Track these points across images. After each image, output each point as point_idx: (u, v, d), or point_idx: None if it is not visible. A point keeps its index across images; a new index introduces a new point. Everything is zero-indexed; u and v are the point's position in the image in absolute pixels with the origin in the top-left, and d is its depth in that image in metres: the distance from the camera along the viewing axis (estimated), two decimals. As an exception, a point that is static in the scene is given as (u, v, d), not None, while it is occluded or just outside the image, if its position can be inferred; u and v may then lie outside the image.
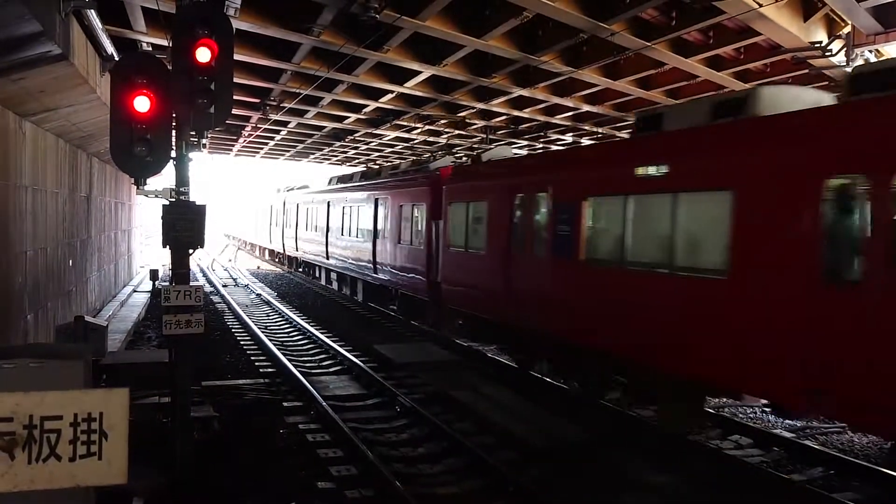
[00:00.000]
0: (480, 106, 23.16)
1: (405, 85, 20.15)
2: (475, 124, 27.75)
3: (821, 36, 14.19)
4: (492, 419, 10.55)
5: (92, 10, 10.12)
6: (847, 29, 14.37)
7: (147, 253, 41.32)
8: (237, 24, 13.54)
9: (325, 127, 29.67)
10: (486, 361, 15.25)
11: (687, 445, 9.77)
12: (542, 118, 25.86)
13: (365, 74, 19.07)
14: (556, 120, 25.98)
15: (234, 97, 15.31)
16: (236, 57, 14.01)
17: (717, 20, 13.65)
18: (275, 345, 16.08)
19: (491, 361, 15.19)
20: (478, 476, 8.49)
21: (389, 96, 22.39)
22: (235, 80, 16.02)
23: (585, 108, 23.13)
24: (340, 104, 24.65)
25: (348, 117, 26.72)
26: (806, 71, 16.03)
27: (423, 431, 10.21)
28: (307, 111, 25.45)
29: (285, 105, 23.51)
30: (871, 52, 14.75)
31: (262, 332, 17.96)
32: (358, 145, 35.82)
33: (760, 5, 11.93)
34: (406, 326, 19.69)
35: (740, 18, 13.14)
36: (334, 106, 24.81)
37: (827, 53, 14.14)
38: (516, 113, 24.65)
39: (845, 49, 14.36)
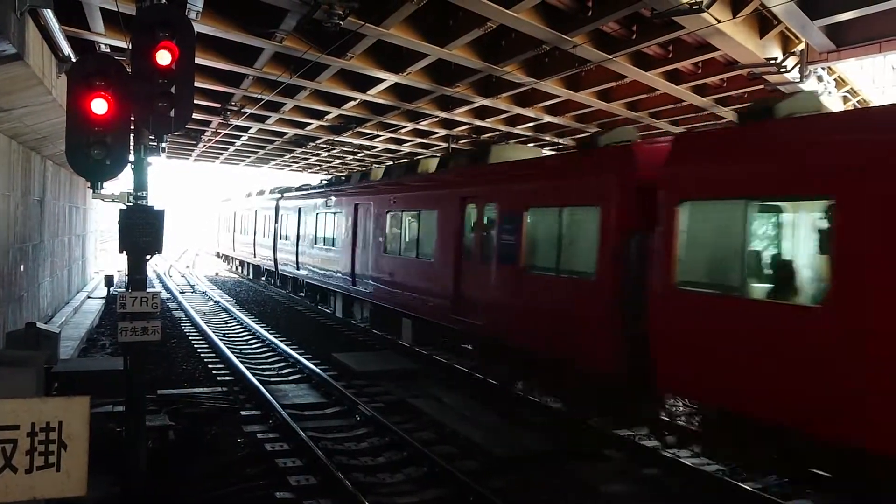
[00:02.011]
0: (443, 115, 23.24)
1: (368, 92, 20.12)
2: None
3: (776, 53, 14.57)
4: (453, 427, 10.56)
5: (48, 10, 9.91)
6: (801, 46, 14.77)
7: (103, 258, 40.48)
8: (198, 27, 13.36)
9: (286, 133, 29.49)
10: (447, 370, 15.23)
11: (647, 455, 9.85)
12: (504, 128, 26.03)
13: (328, 81, 18.99)
14: (518, 130, 26.18)
15: (195, 101, 15.13)
16: (197, 60, 13.87)
17: (677, 35, 13.93)
18: (233, 353, 15.85)
19: (452, 370, 15.17)
20: (438, 485, 8.47)
21: (352, 103, 22.34)
22: (196, 84, 15.87)
23: (547, 118, 23.35)
24: (302, 110, 24.50)
25: (310, 124, 26.58)
26: (762, 86, 16.42)
27: (383, 440, 10.15)
28: (269, 117, 25.25)
29: (246, 110, 23.31)
30: (823, 69, 15.18)
31: (220, 339, 17.70)
32: (320, 152, 35.62)
33: (719, 21, 12.19)
34: (366, 334, 19.59)
35: (699, 34, 13.42)
36: (296, 112, 24.65)
37: (782, 70, 14.51)
38: (479, 122, 24.78)
39: (799, 66, 14.74)
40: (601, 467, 9.14)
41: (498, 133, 27.19)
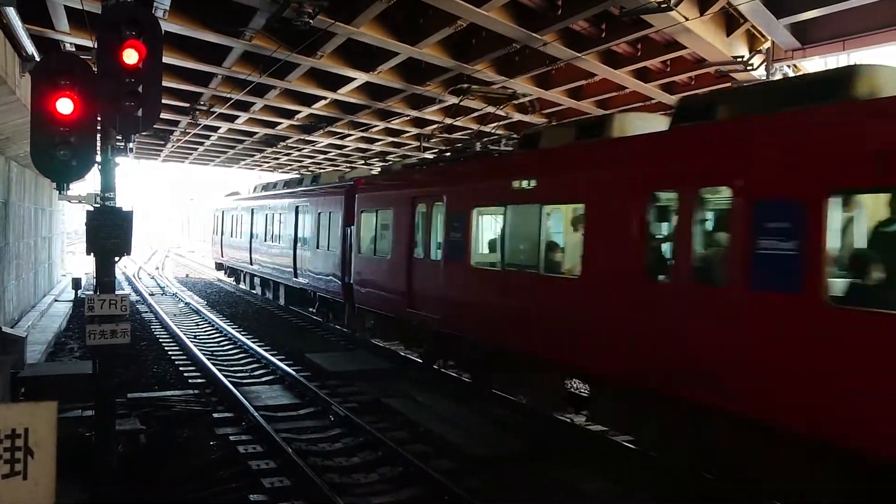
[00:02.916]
0: (414, 114, 23.20)
1: (339, 91, 20.03)
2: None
3: (743, 50, 14.76)
4: (427, 427, 10.55)
5: (11, 8, 9.73)
6: (767, 44, 14.98)
7: (70, 261, 39.86)
8: (166, 25, 13.21)
9: (256, 133, 29.23)
10: (421, 369, 15.21)
11: (621, 451, 9.93)
12: (475, 126, 26.03)
13: (298, 80, 18.87)
14: (490, 129, 26.18)
15: (163, 101, 14.94)
16: (165, 59, 13.69)
17: (645, 33, 14.05)
18: (204, 355, 15.69)
19: (425, 368, 15.15)
20: (414, 484, 8.46)
21: (323, 102, 22.21)
22: (164, 83, 15.66)
23: (518, 116, 23.42)
24: (272, 110, 24.31)
25: (280, 123, 26.39)
26: (729, 84, 16.61)
27: (357, 440, 10.11)
28: (238, 116, 25.02)
29: (215, 110, 23.05)
30: (789, 66, 15.41)
31: (192, 341, 17.51)
32: (290, 151, 35.36)
33: (686, 19, 12.31)
34: (339, 335, 19.51)
35: (667, 32, 13.55)
36: (266, 111, 24.45)
37: (748, 67, 14.72)
38: (450, 121, 24.74)
39: (766, 63, 14.95)
40: (576, 465, 9.18)
41: (470, 131, 27.19)
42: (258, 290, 28.26)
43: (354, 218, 17.57)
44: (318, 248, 20.66)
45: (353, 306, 17.80)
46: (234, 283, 34.07)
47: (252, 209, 28.34)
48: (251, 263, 27.78)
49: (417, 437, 10.22)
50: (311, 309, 22.57)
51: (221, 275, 42.57)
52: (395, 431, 10.47)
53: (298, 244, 22.37)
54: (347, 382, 13.49)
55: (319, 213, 20.75)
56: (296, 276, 22.53)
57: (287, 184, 26.89)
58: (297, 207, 22.90)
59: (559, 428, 10.98)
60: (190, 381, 13.63)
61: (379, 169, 22.44)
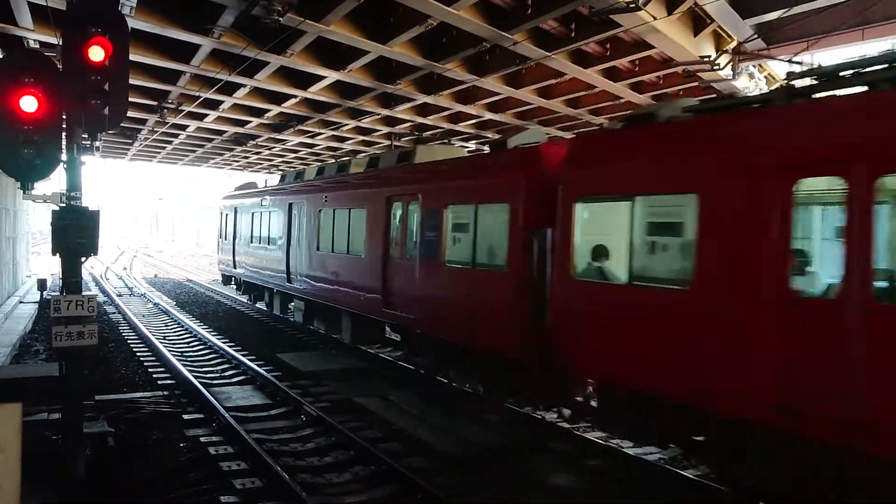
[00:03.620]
0: (385, 112, 23.16)
1: (309, 90, 19.92)
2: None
3: (709, 50, 14.94)
4: (399, 425, 10.57)
5: (-28, 4, 9.55)
6: (733, 44, 15.18)
7: (36, 261, 39.19)
8: (133, 22, 13.06)
9: (226, 131, 28.98)
10: (393, 367, 15.21)
11: (593, 446, 10.02)
12: (446, 125, 26.07)
13: (268, 78, 18.74)
14: (460, 127, 26.25)
15: (130, 99, 14.73)
16: (132, 57, 13.52)
17: (614, 33, 14.17)
18: (174, 356, 15.51)
19: (398, 367, 15.15)
20: (386, 483, 8.46)
21: (293, 101, 22.08)
22: (131, 81, 15.46)
23: (488, 115, 23.47)
24: (242, 108, 24.13)
25: (250, 122, 26.19)
26: (696, 83, 16.82)
27: (329, 440, 10.09)
28: (207, 115, 24.77)
29: (184, 108, 22.81)
30: (755, 66, 15.63)
31: (161, 342, 17.30)
32: (260, 150, 35.11)
33: (654, 19, 12.44)
34: (310, 334, 19.41)
35: (635, 32, 13.68)
36: (236, 110, 24.26)
37: (715, 67, 14.89)
38: (421, 120, 24.77)
39: (732, 63, 15.15)
40: (548, 461, 9.25)
41: (441, 130, 27.23)
42: (296, 318, 19.79)
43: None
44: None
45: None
46: (249, 300, 25.46)
47: (295, 204, 19.60)
48: (290, 280, 19.36)
49: (390, 436, 10.22)
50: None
51: (192, 275, 42.27)
52: (368, 430, 10.46)
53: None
54: (319, 382, 13.45)
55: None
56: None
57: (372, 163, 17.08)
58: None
59: (532, 425, 11.05)
60: (159, 382, 13.48)
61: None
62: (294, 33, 14.37)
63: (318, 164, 22.51)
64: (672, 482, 8.63)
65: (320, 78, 18.77)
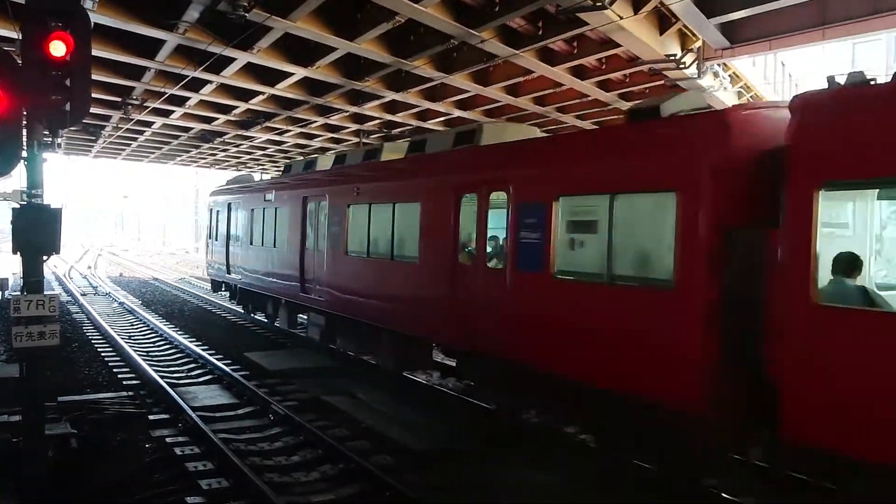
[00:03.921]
0: (354, 109, 23.07)
1: (276, 86, 19.78)
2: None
3: (675, 49, 15.14)
4: (367, 423, 10.55)
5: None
6: (698, 43, 15.39)
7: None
8: (96, 17, 12.84)
9: (192, 128, 28.64)
10: (361, 366, 15.16)
11: (565, 444, 10.08)
12: (414, 122, 26.05)
13: (234, 74, 18.57)
14: (429, 125, 26.25)
15: (93, 95, 14.51)
16: (95, 52, 13.30)
17: (581, 31, 14.26)
18: (139, 355, 15.30)
19: (366, 365, 15.10)
20: (355, 481, 8.43)
21: (260, 98, 21.90)
22: (94, 76, 15.22)
23: (457, 113, 23.51)
24: (209, 105, 23.87)
25: (217, 118, 25.91)
26: (662, 82, 17.00)
27: (297, 439, 10.02)
28: (173, 111, 24.47)
29: (149, 104, 22.49)
30: (719, 65, 15.86)
31: (126, 342, 17.05)
32: (228, 147, 34.77)
33: (621, 18, 12.56)
34: (278, 333, 19.28)
35: (602, 30, 13.79)
36: (202, 106, 23.99)
37: (681, 66, 15.08)
38: (389, 117, 24.72)
39: (697, 62, 15.36)
40: (517, 457, 9.28)
41: (409, 127, 27.20)
42: (310, 334, 16.58)
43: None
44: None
45: None
46: (242, 309, 22.58)
47: (312, 199, 16.16)
48: (306, 290, 16.03)
49: (358, 434, 10.18)
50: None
51: (158, 273, 41.77)
52: (336, 429, 10.41)
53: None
54: (287, 381, 13.37)
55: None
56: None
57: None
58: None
59: (503, 422, 11.08)
60: (124, 382, 13.29)
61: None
62: (260, 29, 14.26)
63: (335, 152, 18.98)
64: (640, 478, 8.72)
65: (288, 74, 18.64)
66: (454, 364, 12.92)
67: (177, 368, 14.74)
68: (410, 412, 11.19)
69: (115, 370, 14.31)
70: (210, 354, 15.55)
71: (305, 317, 17.20)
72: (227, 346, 16.95)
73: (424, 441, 9.72)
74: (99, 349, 16.53)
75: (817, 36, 14.47)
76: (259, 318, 21.44)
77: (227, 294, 23.76)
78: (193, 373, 14.36)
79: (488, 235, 10.37)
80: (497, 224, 10.23)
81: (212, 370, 14.32)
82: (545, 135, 12.62)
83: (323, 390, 12.52)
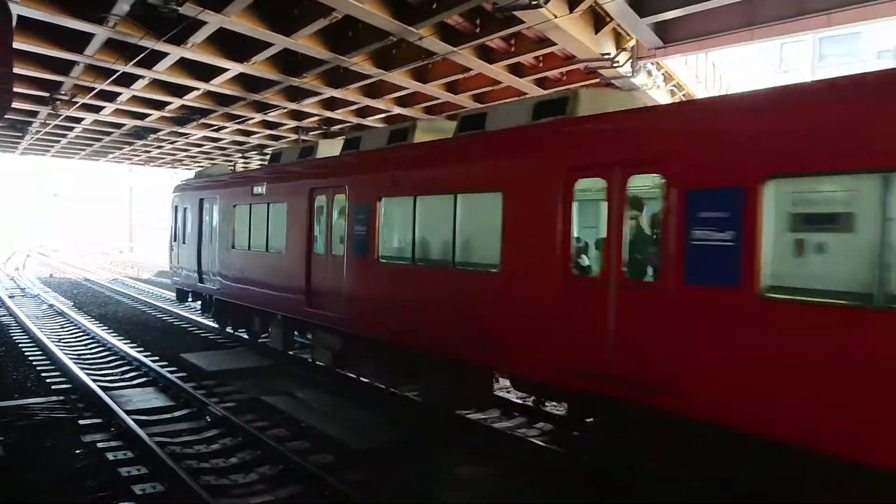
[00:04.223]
0: (292, 106, 22.80)
1: (212, 82, 19.43)
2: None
3: (610, 48, 15.40)
4: (308, 423, 10.47)
5: None
6: (632, 42, 15.69)
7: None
8: (18, 9, 12.39)
9: (124, 124, 27.90)
10: (303, 365, 15.01)
11: (502, 437, 10.17)
12: (354, 119, 25.91)
13: (168, 70, 18.16)
14: (369, 122, 26.14)
15: (17, 90, 14.01)
16: (18, 45, 12.87)
17: (518, 29, 14.41)
18: (70, 359, 14.85)
19: (307, 365, 14.97)
20: (294, 482, 8.35)
21: (195, 93, 21.47)
22: (18, 70, 14.69)
23: (397, 110, 23.46)
24: (142, 100, 23.26)
25: (150, 115, 25.30)
26: (598, 80, 17.27)
27: (236, 440, 9.87)
28: (104, 107, 23.78)
29: (79, 100, 21.82)
30: (652, 64, 16.20)
31: (56, 345, 16.52)
32: (162, 144, 33.97)
33: (556, 16, 12.71)
34: (218, 333, 18.95)
35: (538, 28, 13.95)
36: (135, 102, 23.36)
37: (615, 64, 15.35)
38: (328, 114, 24.52)
39: (630, 61, 15.66)
40: (458, 454, 9.33)
41: (349, 124, 27.03)
42: (317, 357, 14.05)
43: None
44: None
45: None
46: (217, 324, 19.32)
47: (320, 191, 13.22)
48: (312, 304, 13.14)
49: (298, 434, 10.10)
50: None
51: (90, 274, 40.63)
52: (275, 429, 10.31)
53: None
54: (226, 382, 13.17)
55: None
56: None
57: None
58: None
59: (442, 419, 11.12)
60: (54, 387, 12.86)
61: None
62: (194, 23, 13.97)
63: (345, 136, 15.36)
64: (584, 475, 8.85)
65: (223, 70, 18.32)
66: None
67: (110, 371, 14.35)
68: (352, 410, 11.14)
69: (44, 375, 13.84)
70: (145, 356, 15.19)
71: (301, 335, 15.64)
72: (163, 347, 16.59)
73: (365, 439, 9.69)
74: (27, 353, 15.96)
75: (746, 36, 14.90)
76: (198, 318, 21.02)
77: (200, 306, 20.91)
78: (127, 375, 14.00)
79: (628, 235, 7.56)
80: (651, 221, 7.70)
81: (147, 372, 13.99)
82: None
83: (263, 390, 12.36)
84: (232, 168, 24.62)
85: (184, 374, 13.71)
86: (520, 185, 8.85)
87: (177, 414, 11.32)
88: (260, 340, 16.96)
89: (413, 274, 10.76)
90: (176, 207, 21.08)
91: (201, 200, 18.91)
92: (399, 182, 11.02)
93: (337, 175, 12.78)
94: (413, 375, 11.34)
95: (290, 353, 15.54)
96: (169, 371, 13.80)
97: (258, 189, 15.73)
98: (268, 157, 19.40)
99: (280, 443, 9.40)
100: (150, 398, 12.16)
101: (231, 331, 18.55)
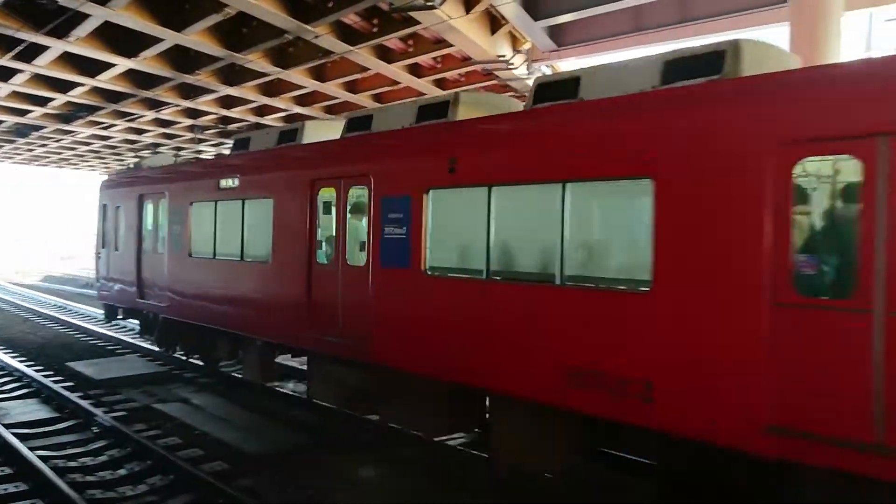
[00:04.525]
0: (186, 104, 22.13)
1: (99, 78, 18.63)
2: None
3: (506, 50, 15.69)
4: (202, 429, 10.21)
5: None
6: (527, 45, 16.02)
7: None
8: None
9: (3, 121, 26.38)
10: (196, 370, 14.58)
11: (403, 437, 10.18)
12: (252, 118, 25.40)
13: (50, 64, 17.31)
14: (268, 121, 25.67)
15: None
16: None
17: (414, 30, 14.49)
18: (-58, 371, 13.94)
19: (201, 371, 14.54)
20: (186, 491, 8.10)
21: (81, 89, 20.54)
22: None
23: (296, 109, 23.16)
24: (22, 96, 22.08)
25: (32, 111, 24.02)
26: (494, 81, 17.57)
27: (124, 451, 9.48)
28: (-21, 102, 22.43)
29: (-50, 95, 20.51)
30: (547, 66, 16.59)
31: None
32: (47, 142, 32.30)
33: (450, 18, 12.84)
34: (107, 339, 18.17)
35: (435, 29, 14.06)
36: (14, 98, 22.15)
37: (511, 66, 15.65)
38: (225, 112, 23.94)
39: (526, 63, 16.00)
40: (356, 455, 9.28)
41: (247, 123, 26.45)
42: (317, 395, 11.21)
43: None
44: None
45: None
46: (162, 349, 15.46)
47: (321, 182, 10.37)
48: (318, 327, 10.09)
49: (191, 441, 9.79)
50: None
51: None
52: (167, 437, 9.95)
53: None
54: (115, 390, 12.63)
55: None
56: None
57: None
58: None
59: (338, 420, 11.04)
60: (-80, 403, 12.04)
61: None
62: (77, 16, 13.35)
63: (349, 113, 11.47)
64: (479, 472, 8.97)
65: (111, 65, 17.59)
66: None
67: (-13, 383, 13.54)
68: (248, 416, 10.91)
69: (-90, 389, 12.94)
70: (27, 366, 14.40)
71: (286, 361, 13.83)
72: (47, 355, 15.77)
73: (261, 443, 9.52)
74: None
75: (634, 41, 15.47)
76: (89, 325, 20.10)
77: (138, 327, 16.85)
78: (6, 386, 13.23)
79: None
80: None
81: (28, 383, 13.25)
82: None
83: (155, 398, 11.95)
84: (179, 157, 19.62)
85: (70, 384, 13.06)
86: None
87: (61, 426, 10.77)
88: (222, 368, 14.30)
89: (470, 288, 8.31)
90: (105, 207, 17.29)
91: (141, 197, 15.38)
92: (459, 171, 8.31)
93: (357, 163, 9.81)
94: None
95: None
96: (53, 381, 13.12)
97: (228, 182, 12.54)
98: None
99: (171, 451, 9.09)
100: (31, 410, 11.54)
101: (182, 356, 15.08)
